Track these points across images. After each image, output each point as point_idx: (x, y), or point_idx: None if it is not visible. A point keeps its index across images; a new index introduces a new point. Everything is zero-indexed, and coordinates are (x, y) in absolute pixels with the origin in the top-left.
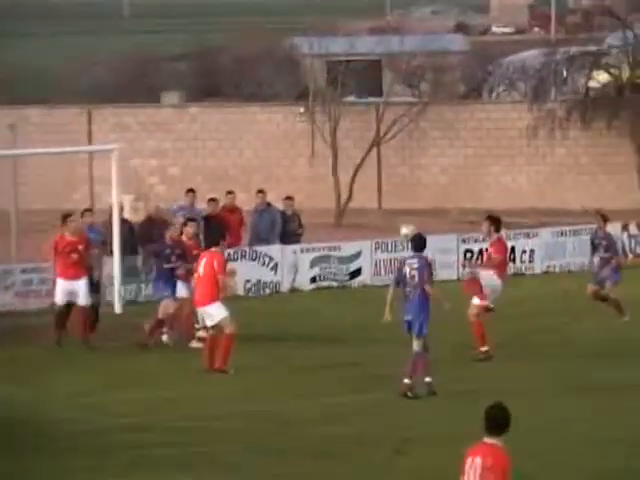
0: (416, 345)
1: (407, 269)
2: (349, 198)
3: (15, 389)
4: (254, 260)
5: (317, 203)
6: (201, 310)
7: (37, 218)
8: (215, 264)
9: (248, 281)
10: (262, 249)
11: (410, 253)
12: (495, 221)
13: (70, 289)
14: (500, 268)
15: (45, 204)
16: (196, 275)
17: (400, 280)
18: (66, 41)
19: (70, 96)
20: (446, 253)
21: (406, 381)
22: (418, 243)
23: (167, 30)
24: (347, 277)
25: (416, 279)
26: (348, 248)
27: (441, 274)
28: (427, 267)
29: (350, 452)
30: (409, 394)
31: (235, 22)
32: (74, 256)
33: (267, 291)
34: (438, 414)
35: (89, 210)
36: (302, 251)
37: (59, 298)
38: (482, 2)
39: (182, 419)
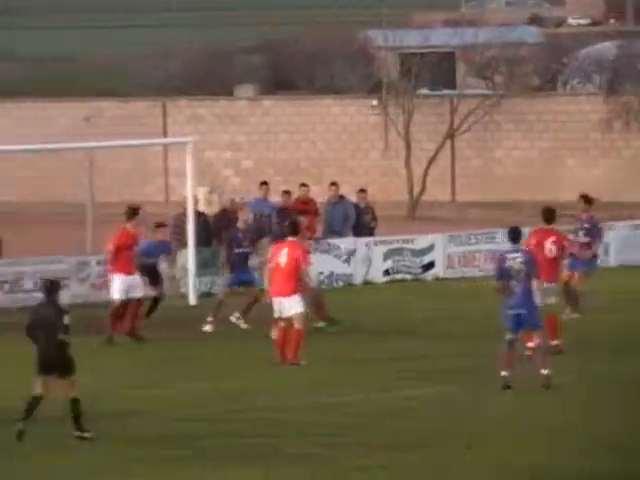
0: (536, 337)
1: (511, 263)
2: (422, 191)
3: (86, 379)
4: (327, 252)
5: (390, 196)
6: (277, 300)
7: (112, 210)
8: (297, 254)
9: (321, 273)
10: (335, 241)
11: (509, 247)
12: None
13: (130, 284)
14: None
15: (120, 197)
16: (271, 265)
17: (503, 274)
18: (140, 34)
19: (145, 89)
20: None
21: (504, 374)
22: (516, 235)
23: (241, 23)
24: (420, 270)
25: (523, 273)
26: (421, 241)
27: None
28: (533, 260)
29: (420, 445)
30: (548, 384)
31: (309, 15)
32: (133, 251)
33: (340, 283)
34: (509, 408)
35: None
36: (375, 244)
37: (119, 294)
38: None
39: (249, 410)
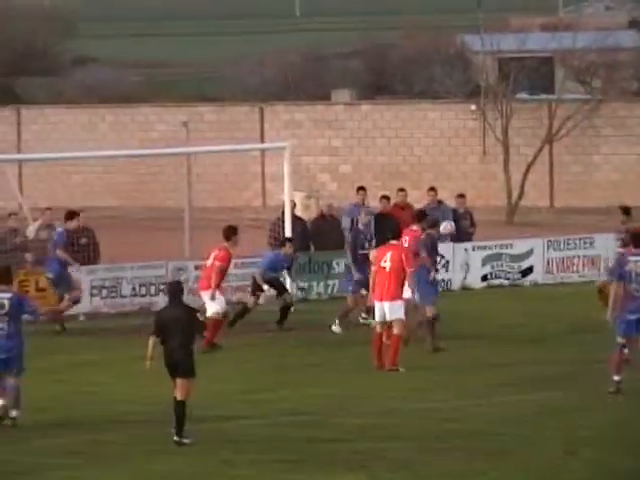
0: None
1: (632, 266)
2: (521, 196)
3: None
4: None
5: (488, 201)
6: (380, 304)
7: (210, 215)
8: (403, 257)
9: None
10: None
11: (633, 250)
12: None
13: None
14: None
15: (218, 202)
16: (374, 268)
17: (623, 276)
18: (239, 39)
19: (242, 94)
20: None
21: (616, 378)
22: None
23: (338, 28)
24: (519, 275)
25: None
26: (520, 246)
27: None
28: None
29: (521, 451)
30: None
31: (406, 20)
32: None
33: (438, 289)
34: (617, 413)
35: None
36: (473, 249)
37: (223, 308)
38: None
39: (351, 416)
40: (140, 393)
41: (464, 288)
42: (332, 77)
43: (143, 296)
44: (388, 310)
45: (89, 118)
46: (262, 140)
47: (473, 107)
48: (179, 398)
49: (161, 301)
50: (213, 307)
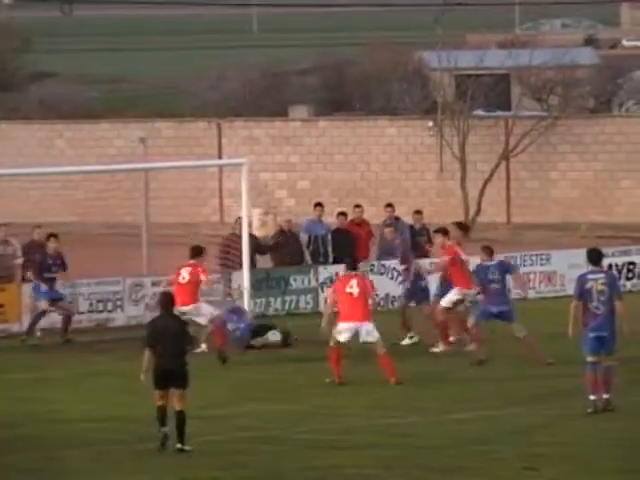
0: (605, 360)
1: (592, 284)
2: (478, 212)
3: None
4: (382, 274)
5: (446, 217)
6: (351, 325)
7: (168, 231)
8: (368, 284)
9: (377, 295)
10: (390, 263)
11: (590, 268)
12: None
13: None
14: None
15: (175, 218)
16: (335, 294)
17: (582, 295)
18: (195, 55)
19: (200, 110)
20: (576, 268)
21: (592, 397)
22: (598, 257)
23: (296, 44)
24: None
25: (606, 294)
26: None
27: (570, 289)
28: (616, 282)
29: (477, 467)
30: (609, 408)
31: (363, 36)
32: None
33: (395, 305)
34: (576, 431)
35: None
36: (430, 266)
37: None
38: (612, 15)
39: (311, 432)
40: (98, 410)
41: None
42: (290, 93)
43: (100, 312)
44: (364, 332)
45: (46, 134)
46: (220, 156)
47: (430, 124)
48: (178, 408)
49: (118, 317)
50: (204, 318)
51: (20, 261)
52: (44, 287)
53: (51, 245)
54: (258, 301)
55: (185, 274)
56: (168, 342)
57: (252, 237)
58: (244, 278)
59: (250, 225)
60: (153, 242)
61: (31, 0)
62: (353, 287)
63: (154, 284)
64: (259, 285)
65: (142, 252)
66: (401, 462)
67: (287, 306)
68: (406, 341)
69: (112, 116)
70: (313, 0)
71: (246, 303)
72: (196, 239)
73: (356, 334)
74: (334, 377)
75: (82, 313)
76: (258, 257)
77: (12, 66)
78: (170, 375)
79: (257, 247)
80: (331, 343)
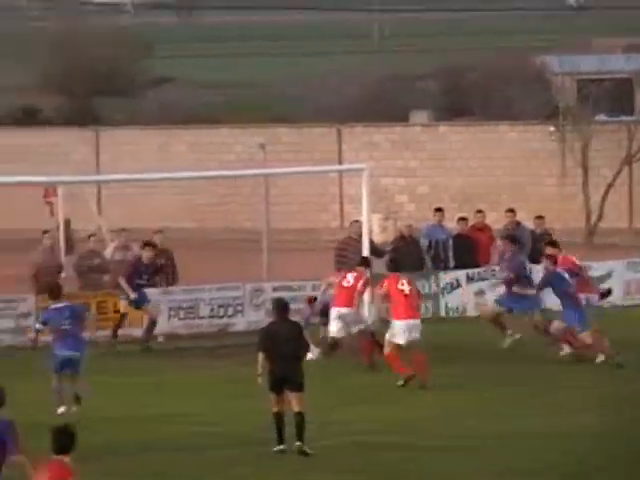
0: None
1: None
2: (600, 217)
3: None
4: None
5: (567, 222)
6: (408, 323)
7: (288, 237)
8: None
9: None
10: None
11: None
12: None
13: None
14: None
15: (295, 223)
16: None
17: None
18: (315, 61)
19: (319, 115)
20: None
21: None
22: None
23: (417, 50)
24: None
25: None
26: (599, 268)
27: None
28: None
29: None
30: None
31: (484, 41)
32: None
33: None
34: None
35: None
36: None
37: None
38: None
39: (423, 438)
40: (215, 413)
41: (543, 310)
42: (410, 98)
43: (221, 317)
44: (414, 329)
45: (166, 139)
46: (340, 162)
47: (552, 129)
48: (297, 410)
49: (239, 322)
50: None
51: None
52: (134, 294)
53: (146, 254)
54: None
55: (350, 279)
56: (284, 348)
57: (370, 243)
58: None
59: (371, 231)
60: (273, 248)
61: (150, 7)
62: (404, 284)
63: (275, 289)
64: None
65: (262, 258)
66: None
67: None
68: (508, 340)
69: (231, 121)
70: (434, 5)
71: (366, 309)
72: (316, 245)
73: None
74: (408, 377)
75: (203, 318)
76: (376, 261)
77: (131, 72)
78: (284, 380)
79: (374, 250)
80: (388, 349)
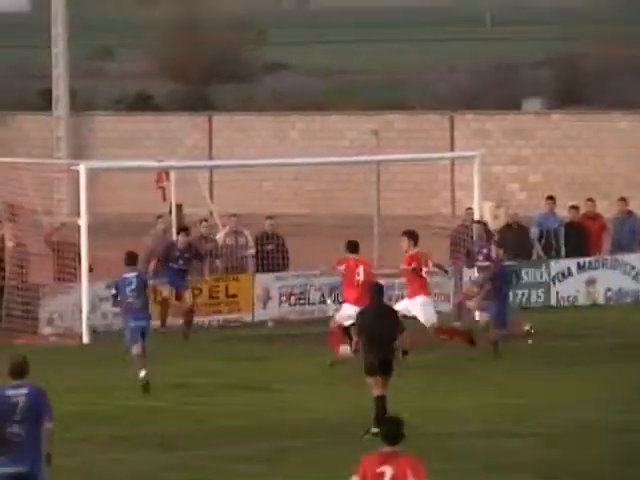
0: None
1: None
2: None
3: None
4: (615, 269)
5: None
6: None
7: (398, 223)
8: None
9: (609, 290)
10: (623, 257)
11: None
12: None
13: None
14: None
15: (406, 210)
16: None
17: None
18: (426, 47)
19: (431, 102)
20: None
21: None
22: None
23: (529, 37)
24: None
25: None
26: None
27: None
28: None
29: None
30: None
31: (598, 29)
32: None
33: (628, 300)
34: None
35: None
36: None
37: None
38: None
39: (540, 426)
40: (329, 401)
41: None
42: (522, 86)
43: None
44: None
45: (279, 125)
46: (452, 149)
47: None
48: (381, 393)
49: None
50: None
51: (252, 252)
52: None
53: (181, 239)
54: None
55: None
56: (380, 332)
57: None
58: (472, 271)
59: (482, 218)
60: (384, 234)
61: None
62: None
63: (383, 276)
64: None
65: (373, 244)
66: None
67: (518, 299)
68: None
69: (343, 108)
70: None
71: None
72: (427, 232)
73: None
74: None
75: (313, 304)
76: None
77: (247, 58)
78: (382, 364)
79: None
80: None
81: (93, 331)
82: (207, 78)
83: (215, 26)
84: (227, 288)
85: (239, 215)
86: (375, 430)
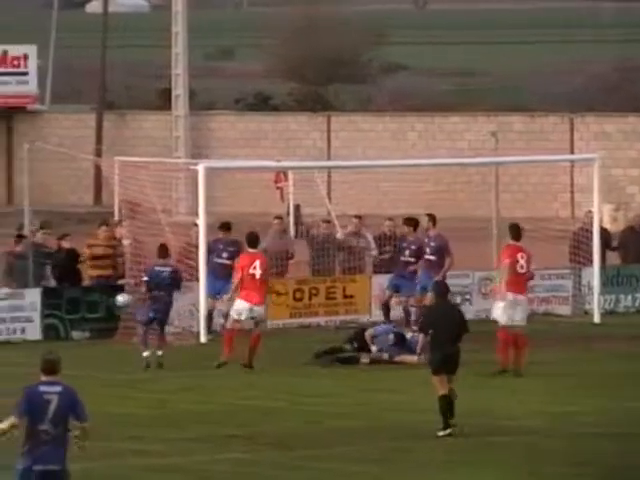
0: None
1: None
2: None
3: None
4: None
5: None
6: None
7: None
8: None
9: None
10: None
11: None
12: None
13: None
14: None
15: (525, 212)
16: None
17: None
18: (545, 49)
19: (550, 104)
20: None
21: None
22: None
23: None
24: None
25: None
26: None
27: None
28: None
29: None
30: None
31: None
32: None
33: None
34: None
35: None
36: None
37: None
38: None
39: None
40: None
41: None
42: None
43: None
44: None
45: (398, 126)
46: (571, 151)
47: None
48: (444, 393)
49: (467, 310)
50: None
51: (374, 253)
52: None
53: (222, 235)
54: (608, 298)
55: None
56: (445, 329)
57: (604, 232)
58: (594, 275)
59: (601, 221)
60: (503, 236)
61: None
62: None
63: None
64: (609, 282)
65: (492, 246)
66: None
67: (637, 303)
68: None
69: (462, 109)
70: None
71: (595, 300)
72: (546, 235)
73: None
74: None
75: None
76: (609, 254)
77: (365, 58)
78: (445, 361)
79: (607, 243)
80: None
81: (210, 331)
82: (326, 79)
83: (334, 27)
84: (344, 289)
85: (361, 216)
86: (442, 433)
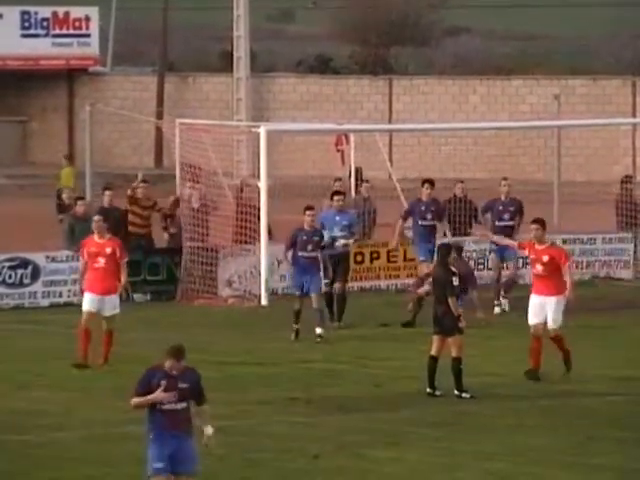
0: None
1: None
2: None
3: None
4: None
5: None
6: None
7: (578, 190)
8: None
9: None
10: None
11: None
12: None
13: None
14: None
15: (586, 176)
16: None
17: None
18: (610, 13)
19: (613, 67)
20: None
21: None
22: None
23: None
24: None
25: None
26: None
27: None
28: None
29: None
30: None
31: None
32: None
33: None
34: None
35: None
36: None
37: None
38: None
39: None
40: (508, 366)
41: None
42: None
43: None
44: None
45: (460, 89)
46: (634, 114)
47: None
48: (454, 355)
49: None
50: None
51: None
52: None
53: (306, 218)
54: None
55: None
56: (435, 290)
57: None
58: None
59: None
60: (563, 200)
61: None
62: None
63: (564, 242)
64: None
65: (553, 210)
66: None
67: None
68: None
69: (524, 73)
70: None
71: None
72: (606, 198)
73: None
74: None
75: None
76: None
77: (427, 21)
78: (435, 321)
79: None
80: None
81: (272, 293)
82: (388, 41)
83: None
84: (405, 253)
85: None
86: (430, 390)
